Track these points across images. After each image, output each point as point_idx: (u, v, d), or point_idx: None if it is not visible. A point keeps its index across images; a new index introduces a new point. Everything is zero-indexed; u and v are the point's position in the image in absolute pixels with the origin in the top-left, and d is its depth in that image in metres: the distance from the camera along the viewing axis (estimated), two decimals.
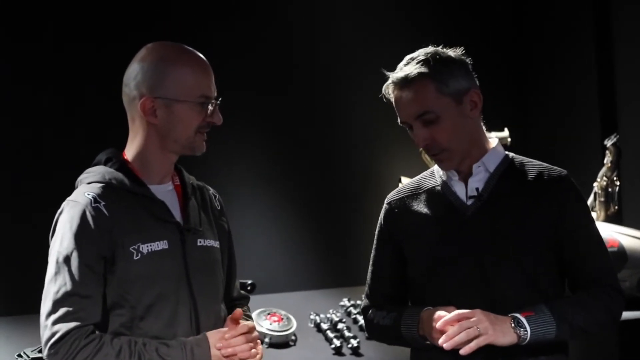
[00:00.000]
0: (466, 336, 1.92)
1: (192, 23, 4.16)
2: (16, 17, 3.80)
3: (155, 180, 2.01)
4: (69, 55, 3.88)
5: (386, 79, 2.11)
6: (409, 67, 2.06)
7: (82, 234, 1.87)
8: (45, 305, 1.85)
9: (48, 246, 3.66)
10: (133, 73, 1.97)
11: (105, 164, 2.00)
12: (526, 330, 1.95)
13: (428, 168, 3.98)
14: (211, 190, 2.19)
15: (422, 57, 2.06)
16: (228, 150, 4.17)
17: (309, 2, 4.60)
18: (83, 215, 1.88)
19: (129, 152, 2.02)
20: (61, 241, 1.89)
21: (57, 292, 1.84)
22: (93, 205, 1.90)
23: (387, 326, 2.17)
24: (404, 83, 2.05)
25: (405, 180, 4.10)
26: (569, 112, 4.84)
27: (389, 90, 2.10)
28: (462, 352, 1.92)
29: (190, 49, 2.03)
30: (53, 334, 1.81)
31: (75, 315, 1.83)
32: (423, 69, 2.03)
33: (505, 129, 4.10)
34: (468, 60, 2.12)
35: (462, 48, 2.12)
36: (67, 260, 1.86)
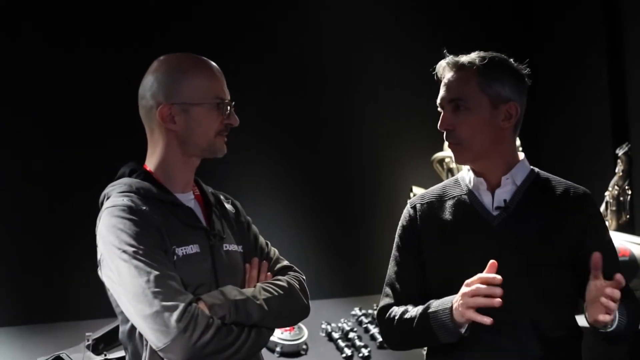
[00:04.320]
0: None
1: (206, 28, 4.19)
2: (32, 24, 3.83)
3: (178, 189, 2.04)
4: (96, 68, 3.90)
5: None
6: (465, 56, 2.14)
7: (137, 227, 1.86)
8: (143, 303, 1.79)
9: (66, 255, 3.70)
10: (148, 84, 2.01)
11: (129, 176, 2.02)
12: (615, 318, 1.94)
13: (439, 177, 4.00)
14: (222, 196, 2.22)
15: (482, 54, 2.14)
16: (239, 159, 4.17)
17: (323, 10, 4.61)
18: (130, 213, 1.88)
19: (150, 164, 2.05)
20: (120, 242, 1.85)
21: (148, 281, 1.80)
22: (135, 208, 1.90)
23: (412, 318, 2.11)
24: (454, 66, 2.13)
25: (417, 190, 4.10)
26: (580, 121, 4.82)
27: (439, 70, 2.17)
28: None
29: (200, 56, 2.07)
30: (170, 315, 1.77)
31: (180, 290, 1.82)
32: (475, 61, 2.11)
33: (517, 139, 4.09)
34: (527, 80, 2.17)
35: (527, 65, 2.18)
36: (136, 253, 1.83)
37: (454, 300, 2.00)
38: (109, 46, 3.94)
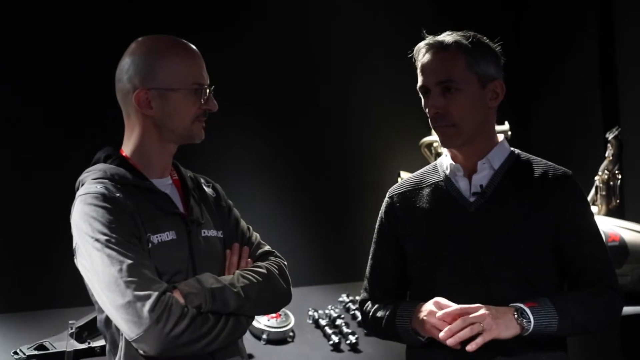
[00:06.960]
0: (470, 332, 1.91)
1: (202, 20, 4.15)
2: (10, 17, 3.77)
3: (155, 174, 2.01)
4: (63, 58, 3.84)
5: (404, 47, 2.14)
6: (447, 36, 2.09)
7: (110, 215, 1.83)
8: (115, 292, 1.76)
9: (45, 243, 3.67)
10: (125, 67, 1.97)
11: (104, 161, 1.99)
12: (529, 322, 1.93)
13: (428, 162, 3.96)
14: (202, 179, 2.18)
15: (462, 33, 2.10)
16: (226, 145, 4.14)
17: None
18: (104, 201, 1.85)
19: (127, 148, 2.02)
20: (92, 231, 1.82)
21: (121, 270, 1.77)
22: (108, 195, 1.87)
23: (382, 319, 2.16)
24: (439, 47, 2.07)
25: (404, 175, 4.07)
26: (570, 105, 4.82)
27: (419, 52, 2.11)
28: (469, 348, 1.90)
29: (180, 39, 2.03)
30: (142, 305, 1.74)
31: (153, 279, 1.80)
32: (461, 41, 2.06)
33: (506, 122, 4.07)
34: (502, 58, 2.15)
35: (499, 42, 2.15)
36: (109, 242, 1.80)
37: (419, 311, 2.03)
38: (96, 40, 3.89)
